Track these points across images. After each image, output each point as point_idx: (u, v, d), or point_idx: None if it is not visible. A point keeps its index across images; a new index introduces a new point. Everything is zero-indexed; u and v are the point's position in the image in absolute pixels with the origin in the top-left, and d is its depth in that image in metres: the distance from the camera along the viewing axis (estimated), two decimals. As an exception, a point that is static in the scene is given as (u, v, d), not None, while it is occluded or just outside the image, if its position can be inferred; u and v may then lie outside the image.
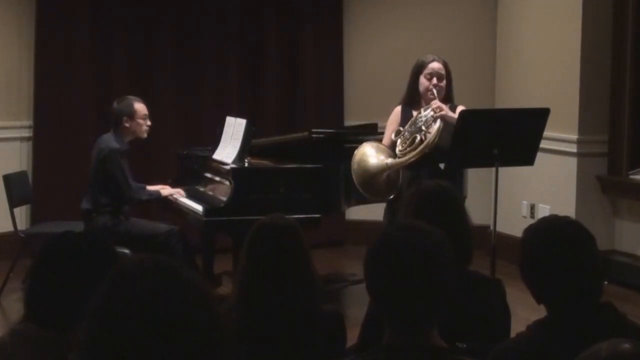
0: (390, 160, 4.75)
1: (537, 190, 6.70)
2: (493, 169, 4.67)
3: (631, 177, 6.28)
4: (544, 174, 6.38)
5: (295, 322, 2.68)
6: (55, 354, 2.05)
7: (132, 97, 5.65)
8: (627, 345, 1.50)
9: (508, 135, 4.56)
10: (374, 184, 4.80)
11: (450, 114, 4.68)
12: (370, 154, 4.81)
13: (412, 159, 4.63)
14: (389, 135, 4.91)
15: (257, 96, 7.50)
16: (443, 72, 4.84)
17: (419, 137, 4.65)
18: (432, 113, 4.67)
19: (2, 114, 6.94)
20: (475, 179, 6.09)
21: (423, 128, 4.66)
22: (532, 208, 6.78)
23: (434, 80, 4.81)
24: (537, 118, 4.71)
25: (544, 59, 6.66)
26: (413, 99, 4.88)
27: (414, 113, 4.82)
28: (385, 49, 7.58)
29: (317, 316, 2.73)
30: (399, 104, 4.96)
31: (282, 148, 5.79)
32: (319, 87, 7.60)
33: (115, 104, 5.62)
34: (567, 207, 6.24)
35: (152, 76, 7.21)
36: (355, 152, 4.83)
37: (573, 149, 6.40)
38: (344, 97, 7.65)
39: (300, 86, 7.59)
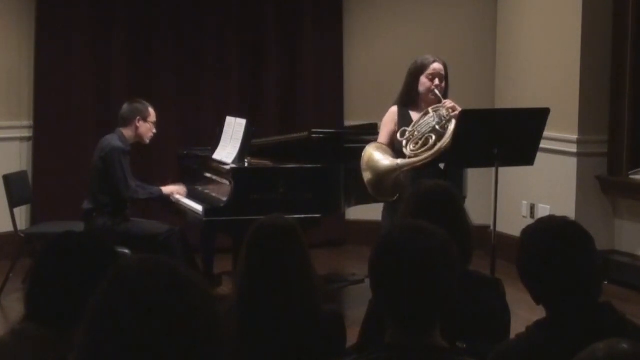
0: (400, 161, 4.62)
1: (537, 190, 6.70)
2: (493, 169, 4.66)
3: (631, 177, 6.28)
4: (544, 174, 6.38)
5: (295, 322, 2.68)
6: (55, 354, 2.05)
7: (145, 102, 5.68)
8: (624, 346, 1.50)
9: (508, 135, 4.55)
10: (384, 184, 4.72)
11: None
12: (378, 155, 4.72)
13: (429, 159, 4.52)
14: (385, 135, 4.81)
15: (257, 96, 7.50)
16: (444, 73, 4.80)
17: (434, 137, 4.54)
18: (445, 112, 4.58)
19: (2, 114, 6.94)
20: (475, 179, 6.08)
21: (438, 128, 4.55)
22: (532, 208, 6.77)
23: (436, 81, 4.73)
24: (537, 118, 4.71)
25: (544, 59, 6.66)
26: (411, 100, 4.80)
27: (412, 113, 4.76)
28: (385, 49, 7.58)
29: (317, 316, 2.73)
30: (394, 104, 4.88)
31: (282, 148, 5.79)
32: (319, 87, 7.60)
33: (127, 105, 5.64)
34: (567, 207, 6.24)
35: (152, 76, 7.21)
36: (363, 154, 4.72)
37: (573, 149, 6.39)
38: (344, 97, 7.65)
39: (300, 86, 7.59)
